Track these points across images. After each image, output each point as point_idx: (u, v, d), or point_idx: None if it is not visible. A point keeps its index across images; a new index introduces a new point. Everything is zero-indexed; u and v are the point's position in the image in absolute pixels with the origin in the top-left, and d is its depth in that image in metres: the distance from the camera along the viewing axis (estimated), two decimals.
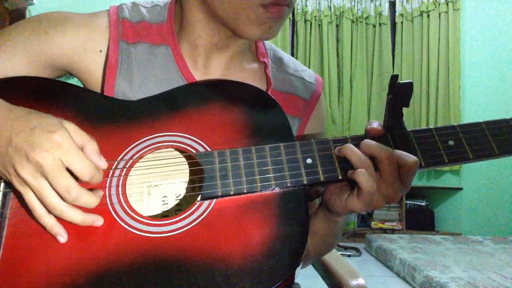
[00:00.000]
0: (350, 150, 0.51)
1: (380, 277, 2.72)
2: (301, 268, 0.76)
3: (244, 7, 0.56)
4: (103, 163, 0.51)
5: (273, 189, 0.51)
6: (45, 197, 0.46)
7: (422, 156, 0.52)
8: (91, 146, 0.50)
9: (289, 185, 0.51)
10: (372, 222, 3.66)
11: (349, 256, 3.15)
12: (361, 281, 0.78)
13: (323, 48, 3.88)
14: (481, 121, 0.54)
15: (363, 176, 0.49)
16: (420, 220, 3.71)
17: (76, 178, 0.48)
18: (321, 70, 3.87)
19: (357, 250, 3.24)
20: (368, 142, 0.51)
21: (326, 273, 0.84)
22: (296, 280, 0.68)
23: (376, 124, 0.54)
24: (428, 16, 3.86)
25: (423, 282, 2.34)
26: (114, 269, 0.46)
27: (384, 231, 3.61)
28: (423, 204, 3.79)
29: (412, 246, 3.00)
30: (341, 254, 0.87)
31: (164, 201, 0.57)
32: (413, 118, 3.83)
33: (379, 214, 3.68)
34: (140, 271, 0.46)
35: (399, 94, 0.51)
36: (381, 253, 3.01)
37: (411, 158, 0.49)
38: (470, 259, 2.67)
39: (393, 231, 3.60)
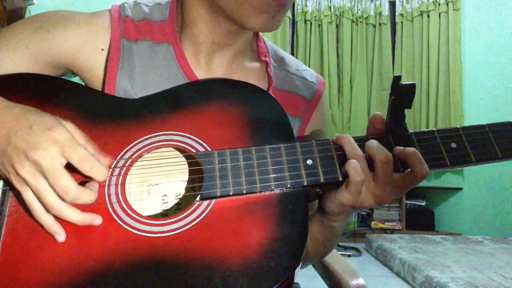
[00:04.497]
0: (347, 140, 0.51)
1: (380, 277, 2.72)
2: (300, 269, 0.76)
3: None
4: (105, 160, 0.51)
5: (273, 190, 0.51)
6: (44, 196, 0.46)
7: (424, 158, 0.51)
8: (90, 147, 0.50)
9: (289, 186, 0.51)
10: (372, 222, 3.66)
11: (349, 256, 3.15)
12: (361, 281, 0.78)
13: (323, 48, 3.87)
14: (484, 123, 0.54)
15: (352, 166, 0.49)
16: (420, 220, 3.71)
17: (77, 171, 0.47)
18: (321, 70, 3.86)
19: (357, 250, 3.24)
20: (369, 142, 0.51)
21: (326, 273, 0.84)
22: (296, 280, 0.68)
23: (378, 114, 0.54)
24: (428, 16, 3.85)
25: (423, 282, 2.34)
26: (112, 268, 0.46)
27: (384, 231, 3.61)
28: (423, 204, 3.79)
29: (412, 246, 3.00)
30: (341, 254, 0.87)
31: (163, 200, 0.57)
32: (413, 119, 3.82)
33: (379, 214, 3.68)
34: (138, 270, 0.46)
35: (402, 95, 0.51)
36: (381, 253, 3.01)
37: (424, 168, 0.49)
38: (470, 259, 2.67)
39: (393, 231, 3.60)
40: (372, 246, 3.21)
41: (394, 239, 3.23)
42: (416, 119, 3.83)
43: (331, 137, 0.55)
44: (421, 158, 0.49)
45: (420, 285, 2.37)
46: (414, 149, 0.50)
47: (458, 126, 0.54)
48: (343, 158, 0.51)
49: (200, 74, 0.65)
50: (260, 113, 0.57)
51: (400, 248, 2.94)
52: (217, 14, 0.61)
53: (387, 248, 2.95)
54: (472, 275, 2.33)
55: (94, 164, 0.48)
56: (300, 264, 0.52)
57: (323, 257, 0.79)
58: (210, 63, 0.66)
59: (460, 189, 3.71)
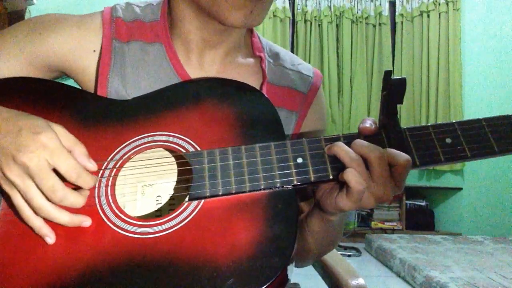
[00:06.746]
0: (340, 148, 0.50)
1: (380, 277, 2.72)
2: (302, 267, 0.76)
3: None
4: (92, 165, 0.51)
5: (262, 189, 0.50)
6: (32, 199, 0.46)
7: (417, 154, 0.50)
8: (79, 149, 0.50)
9: (278, 185, 0.50)
10: (372, 222, 3.66)
11: (349, 256, 3.15)
12: (361, 281, 0.78)
13: (323, 48, 3.87)
14: (481, 117, 0.52)
15: (352, 175, 0.47)
16: (420, 220, 3.71)
17: (63, 179, 0.48)
18: (321, 70, 3.86)
19: (357, 250, 3.24)
20: (358, 142, 0.50)
21: (326, 273, 0.84)
22: (296, 280, 0.68)
23: (369, 123, 0.52)
24: (428, 16, 3.85)
25: (423, 282, 2.34)
26: (101, 270, 0.46)
27: (384, 231, 3.61)
28: (423, 204, 3.79)
29: (412, 246, 3.00)
30: (341, 254, 0.87)
31: (157, 201, 0.57)
32: (413, 118, 3.82)
33: (379, 214, 3.68)
34: (127, 272, 0.46)
35: (393, 90, 0.50)
36: (381, 253, 3.01)
37: (403, 157, 0.47)
38: (470, 259, 2.67)
39: (393, 231, 3.60)
40: (372, 246, 3.21)
41: (394, 239, 3.23)
42: (416, 119, 3.83)
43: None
44: (396, 152, 0.48)
45: (420, 285, 2.37)
46: (379, 152, 0.48)
47: (454, 121, 0.52)
48: (335, 157, 0.50)
49: (193, 72, 0.65)
50: (250, 112, 0.57)
51: (400, 248, 2.93)
52: (202, 12, 0.61)
53: (387, 248, 2.95)
54: (472, 275, 2.33)
55: (81, 174, 0.49)
56: (294, 263, 0.51)
57: (325, 253, 0.78)
58: (202, 61, 0.66)
59: (460, 189, 3.71)
